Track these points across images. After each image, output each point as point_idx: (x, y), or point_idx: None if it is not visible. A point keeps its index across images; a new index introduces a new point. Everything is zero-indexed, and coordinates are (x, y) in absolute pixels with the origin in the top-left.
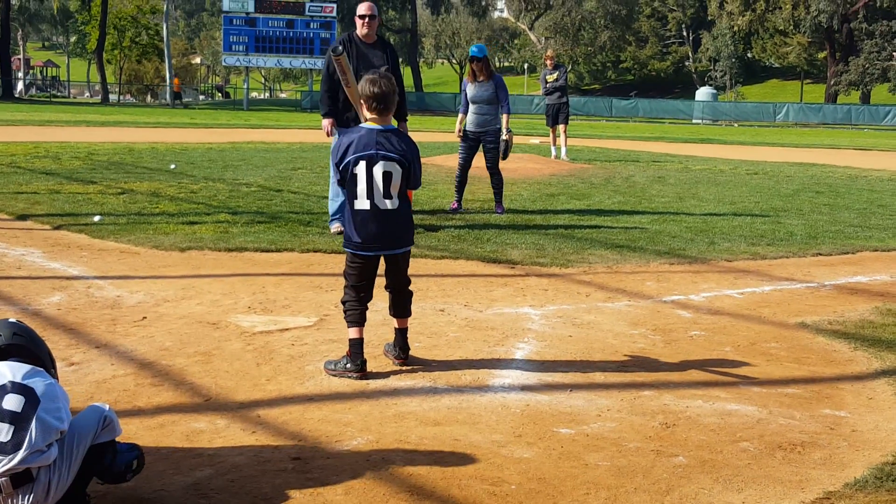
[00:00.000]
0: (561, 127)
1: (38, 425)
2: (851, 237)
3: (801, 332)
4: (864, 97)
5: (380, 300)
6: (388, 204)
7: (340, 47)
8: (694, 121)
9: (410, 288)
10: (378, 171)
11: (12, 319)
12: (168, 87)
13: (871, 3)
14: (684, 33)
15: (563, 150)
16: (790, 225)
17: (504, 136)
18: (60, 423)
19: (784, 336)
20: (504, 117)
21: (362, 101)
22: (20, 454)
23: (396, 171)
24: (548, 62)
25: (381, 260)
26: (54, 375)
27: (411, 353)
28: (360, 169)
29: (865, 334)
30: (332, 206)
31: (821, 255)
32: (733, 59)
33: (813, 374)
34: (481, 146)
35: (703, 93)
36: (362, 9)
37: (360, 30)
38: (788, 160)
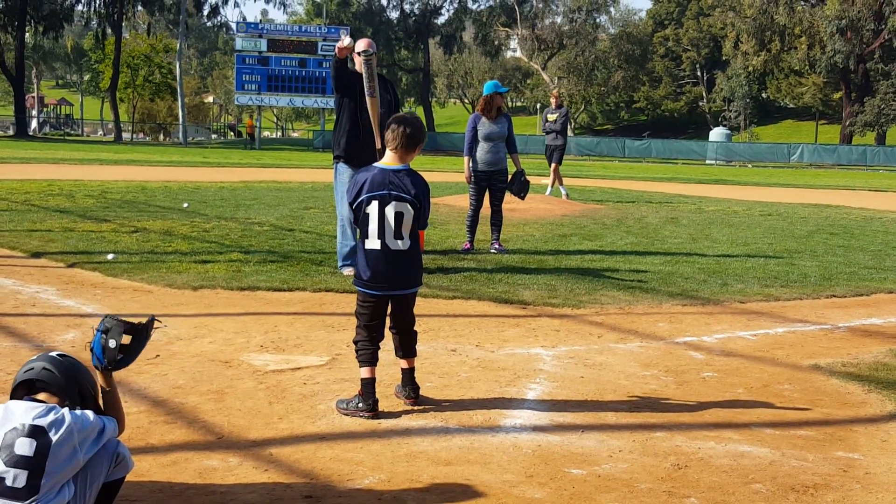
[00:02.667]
0: (552, 166)
1: (51, 467)
2: (866, 279)
3: (814, 374)
4: (880, 138)
5: (391, 339)
6: (400, 244)
7: (371, 49)
8: (707, 161)
9: (415, 328)
10: (390, 211)
11: (55, 353)
12: (182, 127)
13: (888, 44)
14: (698, 73)
15: (549, 189)
16: (804, 266)
17: (523, 177)
18: (73, 462)
19: (797, 378)
20: (515, 156)
21: (387, 139)
22: (36, 500)
23: (408, 211)
24: (552, 101)
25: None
26: (89, 408)
27: (423, 392)
28: (373, 209)
29: (879, 377)
30: (342, 248)
31: (835, 296)
32: (748, 100)
33: (826, 416)
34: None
35: (716, 133)
36: (361, 47)
37: (360, 67)
38: (803, 201)
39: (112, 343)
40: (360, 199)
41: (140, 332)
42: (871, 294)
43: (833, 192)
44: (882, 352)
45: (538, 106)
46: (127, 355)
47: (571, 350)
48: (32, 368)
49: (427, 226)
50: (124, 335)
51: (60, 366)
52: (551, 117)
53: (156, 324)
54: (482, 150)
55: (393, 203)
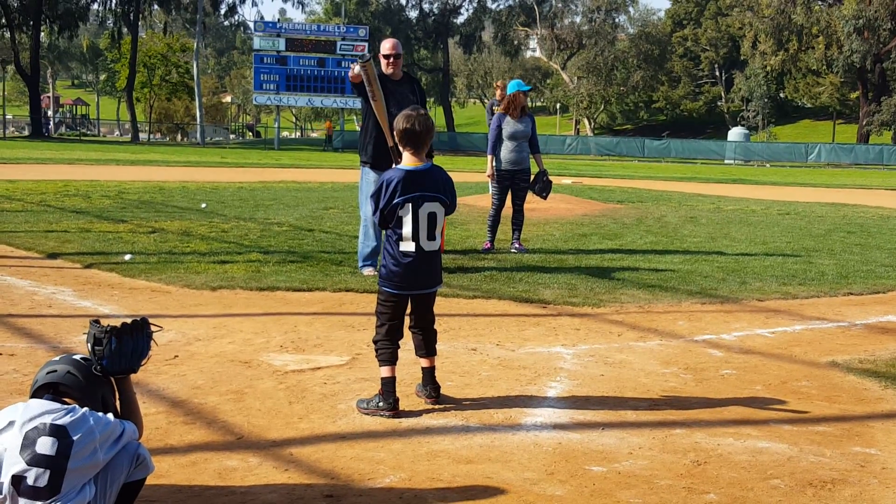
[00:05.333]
0: None
1: (72, 466)
2: (883, 277)
3: (831, 371)
4: None
5: (410, 338)
6: (432, 245)
7: (368, 54)
8: (726, 161)
9: (435, 327)
10: (424, 213)
11: (78, 357)
12: (199, 127)
13: None
14: (717, 73)
15: None
16: (821, 265)
17: (546, 177)
18: (93, 462)
19: (815, 375)
20: (538, 156)
21: (396, 137)
22: (57, 499)
23: (440, 211)
24: (497, 92)
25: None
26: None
27: (443, 391)
28: (407, 211)
29: None
30: (363, 249)
31: (852, 294)
32: (766, 99)
33: (843, 412)
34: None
35: (735, 133)
36: (386, 48)
37: (386, 69)
38: (820, 200)
39: (89, 346)
40: (393, 203)
41: (127, 333)
42: (888, 292)
43: (850, 192)
44: None
45: (558, 106)
46: (119, 356)
47: (591, 348)
48: (56, 371)
49: (454, 210)
50: (112, 337)
51: (84, 370)
52: (498, 109)
53: (153, 327)
54: (506, 149)
55: (426, 204)
